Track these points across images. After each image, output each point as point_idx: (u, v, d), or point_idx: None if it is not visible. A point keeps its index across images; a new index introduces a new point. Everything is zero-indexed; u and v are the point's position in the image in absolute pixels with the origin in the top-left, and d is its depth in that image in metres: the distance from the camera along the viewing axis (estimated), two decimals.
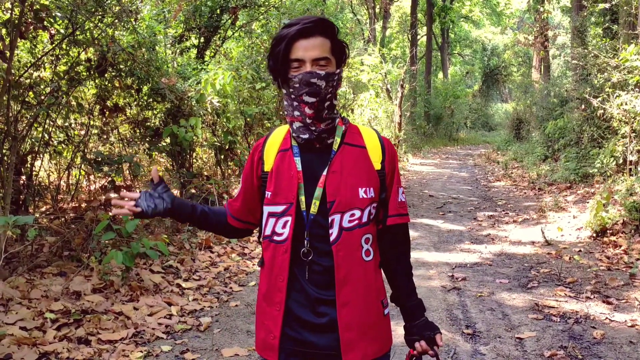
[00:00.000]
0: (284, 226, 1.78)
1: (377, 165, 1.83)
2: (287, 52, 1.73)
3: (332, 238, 1.75)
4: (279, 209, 1.79)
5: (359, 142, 1.84)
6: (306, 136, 1.77)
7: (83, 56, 6.44)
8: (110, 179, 6.80)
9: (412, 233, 7.83)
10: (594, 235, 7.18)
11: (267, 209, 1.82)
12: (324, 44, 1.74)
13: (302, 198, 1.76)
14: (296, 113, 1.77)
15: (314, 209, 1.75)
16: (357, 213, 1.77)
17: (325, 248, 1.75)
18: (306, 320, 1.77)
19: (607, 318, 4.63)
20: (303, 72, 1.72)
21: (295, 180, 1.77)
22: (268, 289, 1.82)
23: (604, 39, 11.21)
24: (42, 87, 6.15)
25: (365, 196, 1.78)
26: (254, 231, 2.00)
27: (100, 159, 6.50)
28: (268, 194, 1.81)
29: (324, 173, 1.77)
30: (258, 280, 1.91)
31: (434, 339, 1.86)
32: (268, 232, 1.81)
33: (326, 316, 1.76)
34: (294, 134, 1.81)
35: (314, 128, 1.76)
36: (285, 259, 1.77)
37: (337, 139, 1.81)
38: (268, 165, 1.83)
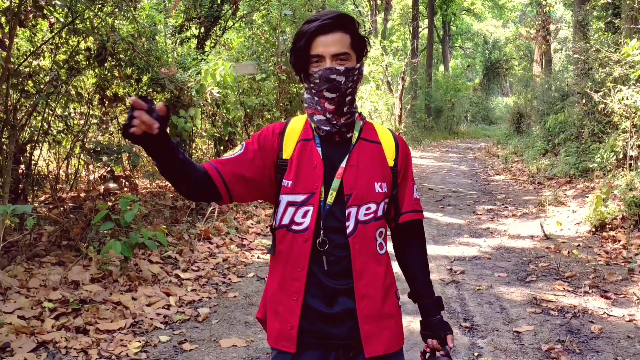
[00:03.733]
0: (304, 215, 1.77)
1: (391, 162, 1.85)
2: (307, 48, 1.75)
3: (348, 230, 1.76)
4: (300, 198, 1.78)
5: (375, 138, 1.87)
6: (327, 128, 1.79)
7: (83, 45, 6.41)
8: (109, 168, 6.78)
9: None
10: (593, 230, 7.18)
11: (286, 198, 1.80)
12: (344, 39, 1.75)
13: (322, 188, 1.77)
14: (318, 107, 1.79)
15: (330, 199, 1.76)
16: (373, 207, 1.78)
17: (340, 240, 1.76)
18: (321, 312, 1.77)
19: (605, 313, 4.64)
20: (323, 69, 1.73)
21: (319, 170, 1.78)
22: (284, 278, 1.80)
23: (606, 33, 11.16)
24: (41, 76, 6.12)
25: (380, 190, 1.80)
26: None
27: (99, 149, 6.47)
28: (288, 182, 1.79)
29: (342, 165, 1.78)
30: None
31: (445, 339, 1.87)
32: (286, 221, 1.79)
33: (341, 305, 1.76)
34: (314, 126, 1.82)
35: (335, 122, 1.78)
36: (306, 249, 1.76)
37: (356, 133, 1.83)
38: (287, 153, 1.81)
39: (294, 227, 1.78)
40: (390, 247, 1.93)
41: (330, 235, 1.76)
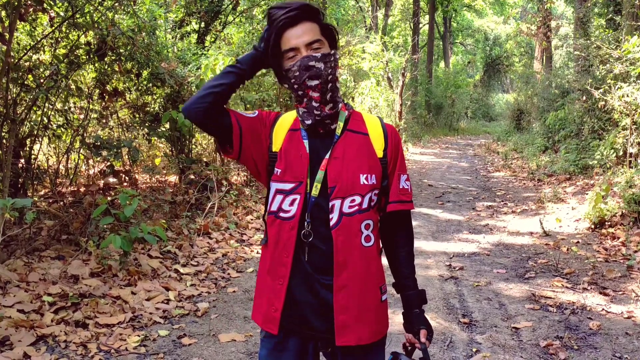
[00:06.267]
0: (291, 204, 1.78)
1: (380, 153, 1.84)
2: (277, 46, 1.75)
3: (332, 223, 1.76)
4: (288, 186, 1.79)
5: (362, 130, 1.86)
6: (309, 121, 1.79)
7: (83, 39, 6.40)
8: (109, 163, 6.78)
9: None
10: (592, 226, 7.19)
11: (275, 185, 1.82)
12: (313, 28, 1.76)
13: (307, 180, 1.78)
14: (304, 100, 1.79)
15: (315, 191, 1.77)
16: (358, 199, 1.78)
17: (326, 232, 1.76)
18: (305, 301, 1.79)
19: (603, 309, 4.64)
20: (300, 59, 1.73)
21: (304, 159, 1.79)
22: (272, 263, 1.83)
23: (606, 30, 11.15)
24: (41, 70, 6.11)
25: (366, 182, 1.79)
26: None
27: (99, 143, 6.48)
28: (278, 170, 1.81)
29: (326, 157, 1.78)
30: (256, 267, 1.93)
31: (418, 333, 1.86)
32: (274, 208, 1.82)
33: (323, 299, 1.78)
34: (300, 119, 1.84)
35: (318, 112, 1.77)
36: (292, 235, 1.78)
37: (340, 124, 1.82)
38: (276, 146, 1.83)
39: (282, 215, 1.80)
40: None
41: (317, 227, 1.77)
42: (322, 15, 1.80)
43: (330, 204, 1.76)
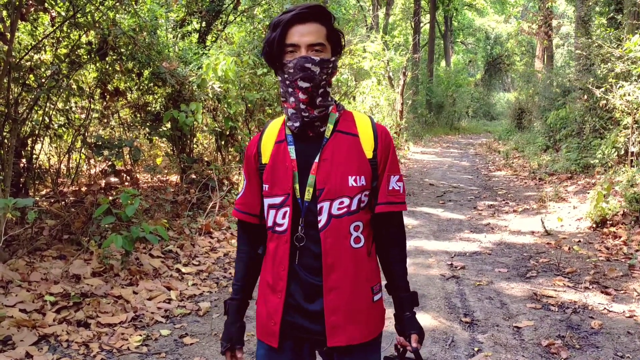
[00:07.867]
0: (283, 217, 1.80)
1: (369, 154, 1.82)
2: (282, 37, 1.74)
3: (320, 225, 1.76)
4: (277, 200, 1.80)
5: (352, 130, 1.84)
6: (297, 124, 1.78)
7: (84, 39, 6.40)
8: (110, 163, 6.79)
9: (412, 221, 7.84)
10: (594, 225, 7.18)
11: (266, 201, 1.84)
12: (320, 30, 1.75)
13: (297, 186, 1.78)
14: (291, 99, 1.78)
15: (308, 196, 1.77)
16: (346, 201, 1.77)
17: (316, 235, 1.77)
18: (300, 307, 1.80)
19: (605, 308, 4.64)
20: (298, 57, 1.72)
21: (290, 170, 1.78)
22: (272, 277, 1.84)
23: (608, 28, 11.13)
24: (42, 69, 6.12)
25: (355, 184, 1.78)
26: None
27: (100, 143, 6.48)
28: (266, 186, 1.83)
29: (316, 160, 1.78)
30: None
31: (410, 338, 1.85)
32: (270, 223, 1.84)
33: (317, 302, 1.78)
34: (288, 123, 1.82)
35: (306, 114, 1.76)
36: (286, 249, 1.79)
37: (330, 126, 1.81)
38: (265, 158, 1.84)
39: (277, 229, 1.81)
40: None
41: (309, 231, 1.78)
42: (333, 19, 1.79)
43: (319, 206, 1.76)
